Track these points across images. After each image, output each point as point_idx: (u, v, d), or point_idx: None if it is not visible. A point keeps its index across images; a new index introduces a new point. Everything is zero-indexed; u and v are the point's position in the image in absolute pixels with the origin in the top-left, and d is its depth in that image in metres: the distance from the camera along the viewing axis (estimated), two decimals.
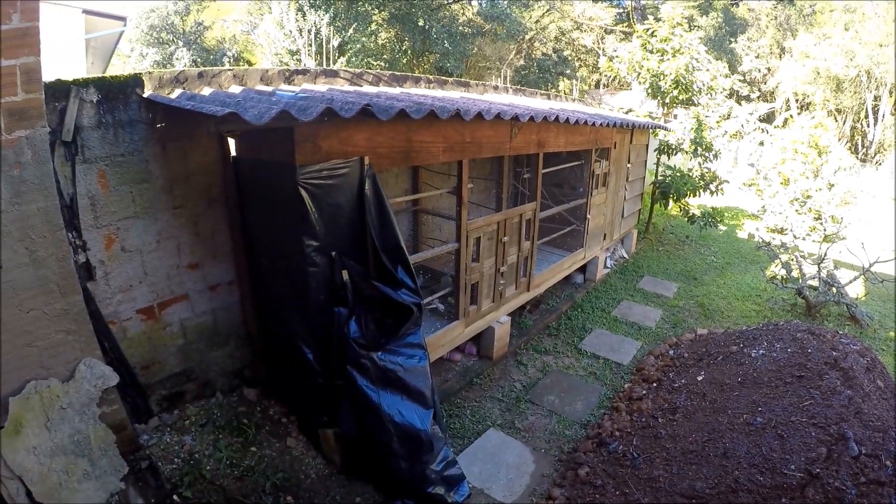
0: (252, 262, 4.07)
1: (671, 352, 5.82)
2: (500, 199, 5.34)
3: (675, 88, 10.74)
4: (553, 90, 12.16)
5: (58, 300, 2.88)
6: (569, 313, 6.93)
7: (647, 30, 11.09)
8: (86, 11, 8.74)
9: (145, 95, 3.43)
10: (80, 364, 3.04)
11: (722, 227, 10.74)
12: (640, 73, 11.13)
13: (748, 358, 4.87)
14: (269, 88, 4.07)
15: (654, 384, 5.16)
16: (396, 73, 5.75)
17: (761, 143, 19.20)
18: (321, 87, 4.58)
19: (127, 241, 3.59)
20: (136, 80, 3.43)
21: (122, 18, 9.86)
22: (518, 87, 8.40)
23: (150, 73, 3.53)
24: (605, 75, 18.45)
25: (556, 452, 4.40)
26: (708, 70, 11.36)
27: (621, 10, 27.10)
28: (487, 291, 5.35)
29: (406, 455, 3.55)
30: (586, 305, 7.20)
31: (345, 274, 3.50)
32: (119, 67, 20.18)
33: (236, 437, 3.89)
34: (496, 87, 7.47)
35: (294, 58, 17.01)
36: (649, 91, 11.16)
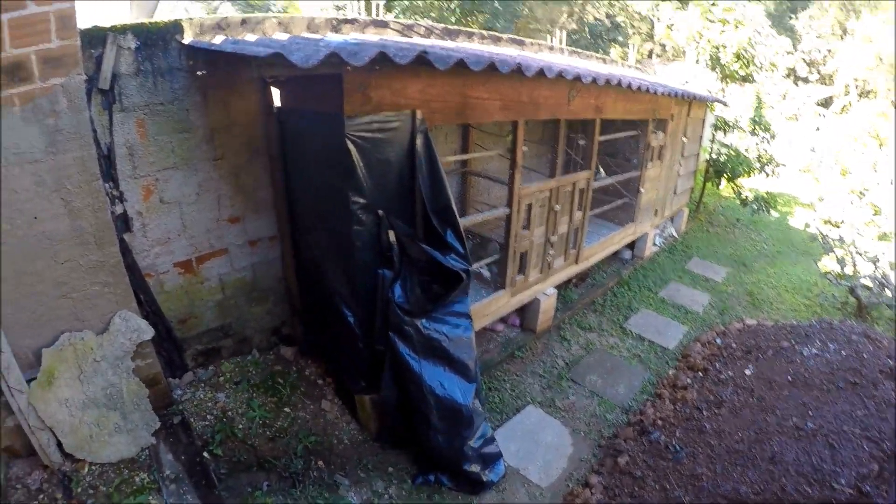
0: (294, 217, 3.92)
1: (718, 340, 5.56)
2: (555, 165, 5.05)
3: (735, 62, 10.16)
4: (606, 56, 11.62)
5: (93, 251, 2.84)
6: (615, 290, 6.66)
7: None
8: None
9: (186, 42, 3.25)
10: (115, 317, 3.00)
11: (774, 213, 10.22)
12: (699, 43, 10.55)
13: (799, 356, 4.65)
14: (317, 36, 3.83)
15: (700, 373, 4.94)
16: (449, 26, 5.42)
17: (817, 129, 18.26)
18: (371, 36, 4.32)
19: (166, 192, 3.49)
20: (175, 27, 3.26)
21: None
22: (573, 48, 7.95)
23: (190, 19, 3.35)
24: (660, 44, 17.62)
25: (595, 436, 4.22)
26: (770, 46, 10.70)
27: None
28: (536, 261, 5.12)
29: (445, 429, 3.41)
30: (633, 283, 6.91)
31: (391, 234, 3.30)
32: None
33: (270, 396, 3.82)
34: (551, 48, 7.07)
35: (340, 12, 16.67)
36: (708, 63, 10.58)
